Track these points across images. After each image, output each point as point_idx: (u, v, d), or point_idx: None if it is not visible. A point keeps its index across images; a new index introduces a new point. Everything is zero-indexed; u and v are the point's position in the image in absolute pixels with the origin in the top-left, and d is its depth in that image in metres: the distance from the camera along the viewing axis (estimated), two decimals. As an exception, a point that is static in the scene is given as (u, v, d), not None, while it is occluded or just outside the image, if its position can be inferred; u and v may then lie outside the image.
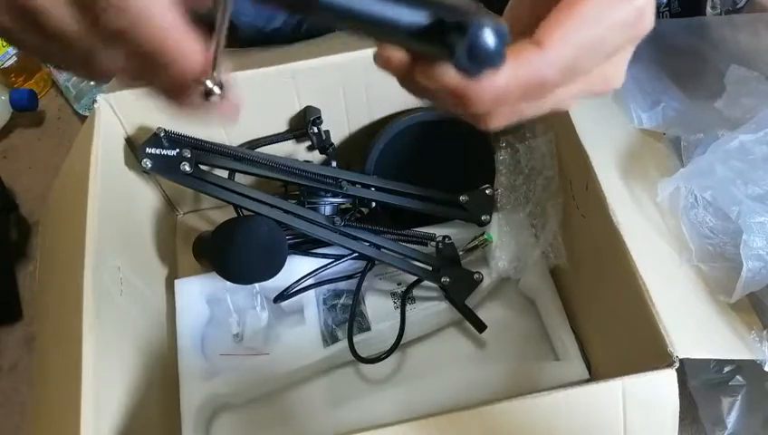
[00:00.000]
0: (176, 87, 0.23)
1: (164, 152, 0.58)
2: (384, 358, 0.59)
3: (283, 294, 0.61)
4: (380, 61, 0.24)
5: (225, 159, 0.60)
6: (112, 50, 0.22)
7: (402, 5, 0.22)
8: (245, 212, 0.61)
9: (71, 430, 0.43)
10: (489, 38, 0.21)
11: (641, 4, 0.25)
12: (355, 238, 0.61)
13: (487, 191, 0.64)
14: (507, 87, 0.23)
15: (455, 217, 0.64)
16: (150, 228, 0.66)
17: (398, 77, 0.24)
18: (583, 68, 0.25)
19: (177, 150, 0.58)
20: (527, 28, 0.24)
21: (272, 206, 0.60)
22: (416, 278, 0.63)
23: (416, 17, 0.22)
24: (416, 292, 0.64)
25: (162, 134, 0.57)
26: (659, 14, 0.63)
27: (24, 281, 0.76)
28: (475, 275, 0.61)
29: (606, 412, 0.44)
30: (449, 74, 0.23)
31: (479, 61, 0.22)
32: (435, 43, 0.22)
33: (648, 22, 0.25)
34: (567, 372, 0.58)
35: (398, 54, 0.24)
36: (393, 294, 0.65)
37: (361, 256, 0.63)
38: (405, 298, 0.63)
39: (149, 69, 0.23)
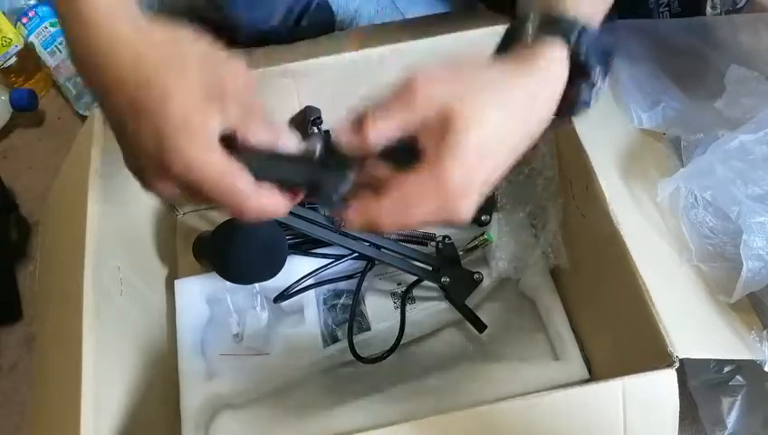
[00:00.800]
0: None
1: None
2: (384, 358, 0.59)
3: (284, 295, 0.61)
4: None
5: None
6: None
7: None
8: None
9: (71, 430, 0.43)
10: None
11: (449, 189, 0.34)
12: (355, 238, 0.61)
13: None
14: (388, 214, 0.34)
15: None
16: (150, 228, 0.66)
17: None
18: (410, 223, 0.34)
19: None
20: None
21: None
22: (415, 276, 0.62)
23: None
24: (416, 292, 0.64)
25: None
26: (659, 14, 0.63)
27: (24, 281, 0.76)
28: (475, 275, 0.61)
29: (606, 412, 0.44)
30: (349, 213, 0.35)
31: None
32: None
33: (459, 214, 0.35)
34: (567, 372, 0.58)
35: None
36: (393, 294, 0.65)
37: (361, 256, 0.62)
38: (405, 298, 0.63)
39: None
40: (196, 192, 0.33)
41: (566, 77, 0.36)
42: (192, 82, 0.33)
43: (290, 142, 0.36)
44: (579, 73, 0.37)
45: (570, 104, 0.38)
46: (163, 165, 0.32)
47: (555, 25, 0.36)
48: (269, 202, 0.34)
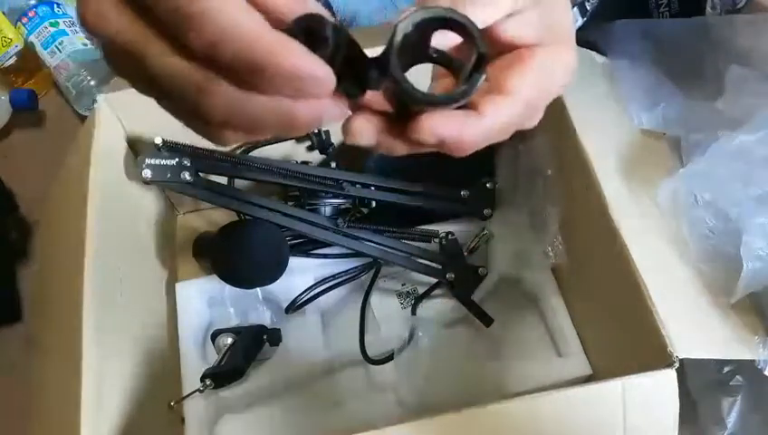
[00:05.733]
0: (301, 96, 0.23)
1: (163, 162, 0.57)
2: (392, 359, 0.59)
3: (294, 305, 0.61)
4: (352, 135, 0.27)
5: (224, 165, 0.60)
6: (221, 85, 0.23)
7: None
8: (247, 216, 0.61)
9: (71, 432, 0.43)
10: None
11: (570, 59, 0.31)
12: (357, 239, 0.61)
13: (488, 185, 0.64)
14: (491, 130, 0.28)
15: (456, 212, 0.65)
16: (150, 228, 0.66)
17: (373, 144, 0.28)
18: (540, 106, 0.31)
19: (177, 159, 0.58)
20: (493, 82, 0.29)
21: (272, 210, 0.60)
22: (420, 273, 0.62)
23: None
24: (420, 289, 0.64)
25: (161, 144, 0.57)
26: (659, 14, 0.63)
27: (24, 281, 0.76)
28: (480, 270, 0.61)
29: (606, 412, 0.44)
30: (445, 125, 0.26)
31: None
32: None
33: (575, 67, 0.32)
34: (570, 369, 0.58)
35: (369, 125, 0.27)
36: (399, 294, 0.65)
37: (364, 256, 0.62)
38: (416, 305, 0.63)
39: (264, 86, 0.23)
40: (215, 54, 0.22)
41: None
42: None
43: None
44: None
45: None
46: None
47: None
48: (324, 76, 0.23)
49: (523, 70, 0.29)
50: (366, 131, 0.27)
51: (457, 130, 0.27)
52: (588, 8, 0.41)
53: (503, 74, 0.29)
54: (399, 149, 0.28)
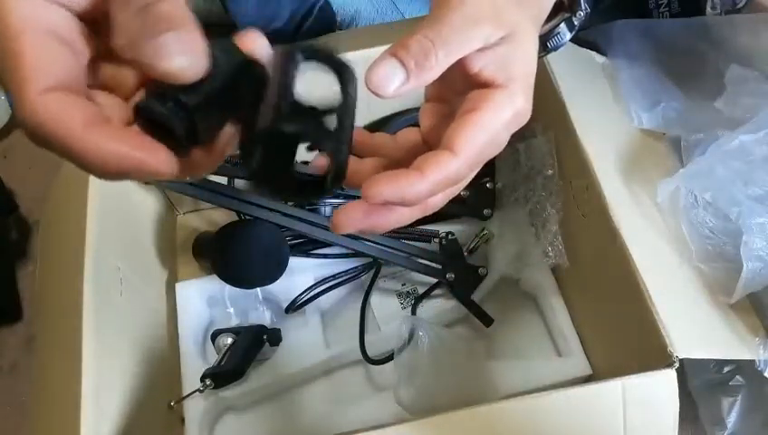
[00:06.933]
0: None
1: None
2: (393, 359, 0.59)
3: (294, 305, 0.61)
4: (339, 228, 0.31)
5: (224, 165, 0.60)
6: None
7: None
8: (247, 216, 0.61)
9: (71, 432, 0.43)
10: None
11: (520, 107, 0.31)
12: (357, 239, 0.61)
13: (488, 185, 0.64)
14: (434, 187, 0.29)
15: (456, 212, 0.64)
16: (150, 228, 0.66)
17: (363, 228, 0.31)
18: (484, 159, 0.32)
19: (177, 159, 0.58)
20: (437, 140, 0.31)
21: (272, 210, 0.60)
22: (419, 273, 0.62)
23: None
24: (420, 290, 0.64)
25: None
26: (659, 14, 0.63)
27: (24, 281, 0.76)
28: (480, 270, 0.61)
29: (606, 412, 0.44)
30: (388, 188, 0.29)
31: None
32: None
33: (526, 116, 0.32)
34: (570, 369, 0.58)
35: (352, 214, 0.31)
36: (399, 295, 0.65)
37: (364, 256, 0.62)
38: (416, 305, 0.63)
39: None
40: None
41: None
42: None
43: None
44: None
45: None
46: None
47: None
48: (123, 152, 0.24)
49: (468, 131, 0.30)
50: (352, 221, 0.31)
51: (400, 191, 0.29)
52: (575, 23, 0.41)
53: (449, 134, 0.30)
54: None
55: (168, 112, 0.24)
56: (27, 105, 0.23)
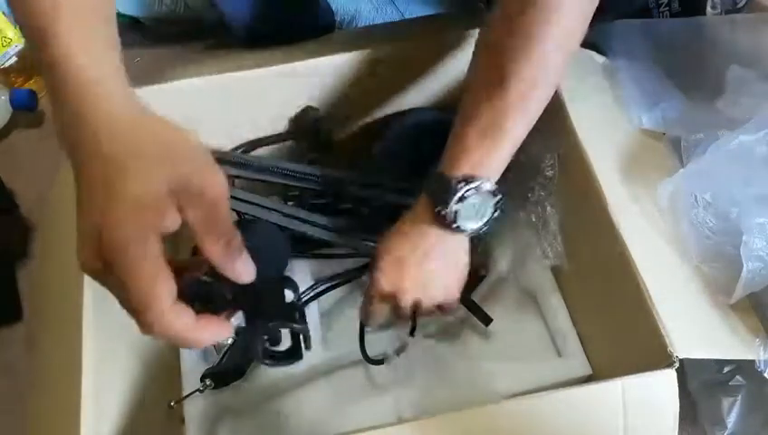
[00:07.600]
0: None
1: (163, 161, 0.57)
2: (391, 359, 0.59)
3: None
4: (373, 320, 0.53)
5: (224, 166, 0.60)
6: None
7: None
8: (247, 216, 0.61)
9: (71, 431, 0.43)
10: None
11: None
12: (357, 238, 0.61)
13: (488, 185, 0.64)
14: None
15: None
16: (150, 228, 0.65)
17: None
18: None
19: (178, 159, 0.58)
20: None
21: (272, 210, 0.60)
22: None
23: None
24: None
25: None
26: (659, 14, 0.63)
27: (24, 281, 0.76)
28: (480, 270, 0.61)
29: (606, 412, 0.44)
30: None
31: None
32: None
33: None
34: (570, 369, 0.58)
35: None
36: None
37: (364, 256, 0.62)
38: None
39: None
40: (116, 282, 0.32)
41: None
42: (159, 172, 0.33)
43: (245, 274, 0.38)
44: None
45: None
46: (101, 235, 0.31)
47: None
48: (180, 326, 0.35)
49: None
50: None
51: None
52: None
53: None
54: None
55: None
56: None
